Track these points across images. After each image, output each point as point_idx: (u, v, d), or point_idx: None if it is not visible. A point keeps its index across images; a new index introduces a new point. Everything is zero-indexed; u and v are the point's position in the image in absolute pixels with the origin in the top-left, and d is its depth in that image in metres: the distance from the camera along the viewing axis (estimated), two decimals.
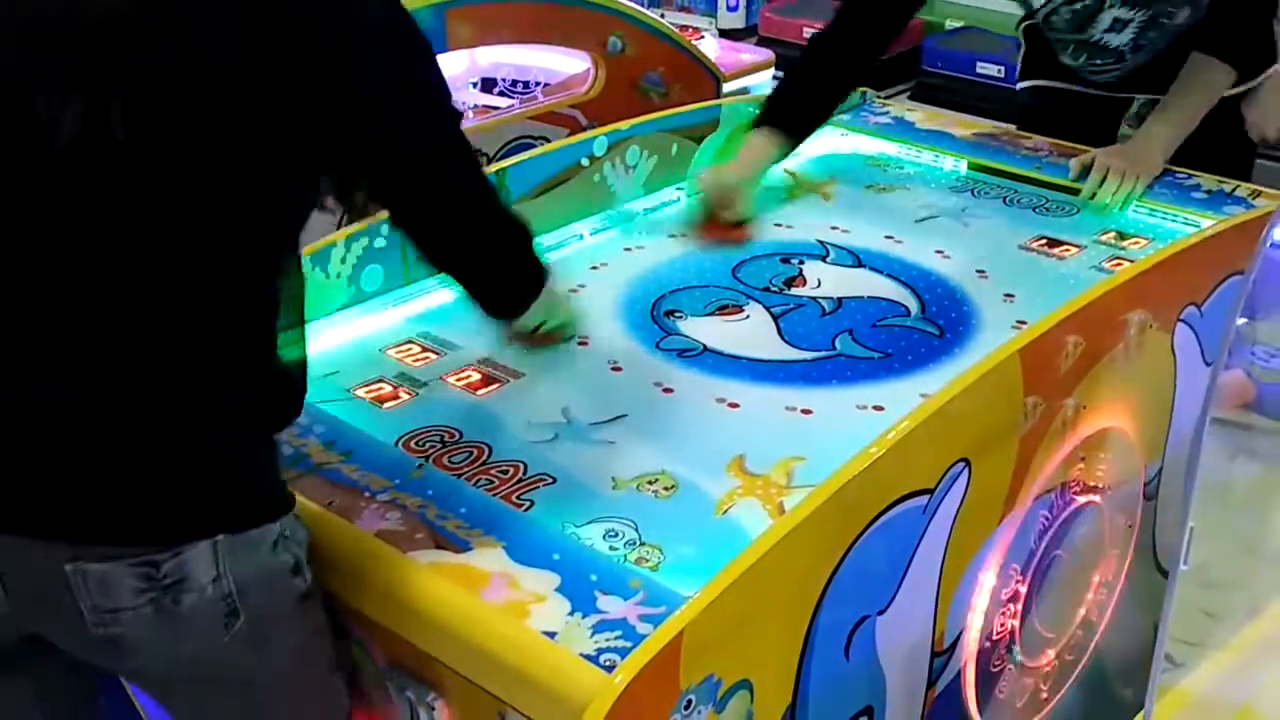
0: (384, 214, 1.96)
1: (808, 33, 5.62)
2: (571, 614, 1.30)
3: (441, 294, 1.97)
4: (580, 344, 1.86)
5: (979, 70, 5.18)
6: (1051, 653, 1.87)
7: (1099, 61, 2.49)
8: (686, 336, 1.89)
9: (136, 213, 1.20)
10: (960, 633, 1.67)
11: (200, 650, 1.27)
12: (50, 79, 1.15)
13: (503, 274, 1.57)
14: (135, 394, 1.23)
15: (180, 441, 1.24)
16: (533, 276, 1.61)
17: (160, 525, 1.23)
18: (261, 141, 1.22)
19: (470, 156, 1.45)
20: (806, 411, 1.71)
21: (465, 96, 3.34)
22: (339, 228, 1.90)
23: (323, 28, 1.23)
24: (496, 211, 1.53)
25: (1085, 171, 2.35)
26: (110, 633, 1.25)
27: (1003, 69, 5.01)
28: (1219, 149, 2.40)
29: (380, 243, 1.92)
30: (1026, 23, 2.63)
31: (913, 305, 1.98)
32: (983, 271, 2.09)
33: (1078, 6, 2.40)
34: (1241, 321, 1.23)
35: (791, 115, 2.37)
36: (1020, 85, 2.74)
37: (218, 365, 1.26)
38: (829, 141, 2.61)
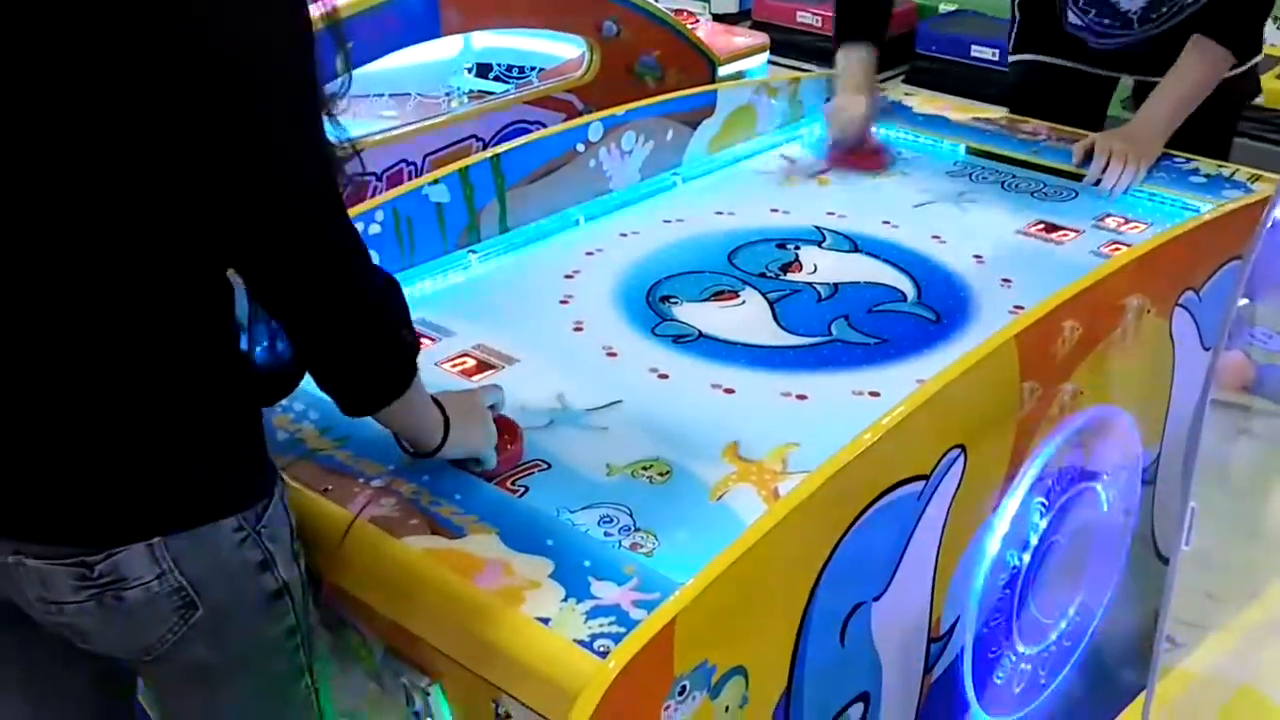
0: (377, 200, 1.97)
1: (801, 17, 5.73)
2: (566, 600, 1.29)
3: (435, 280, 1.97)
4: (575, 329, 1.85)
5: (973, 54, 5.17)
6: (1050, 638, 1.87)
7: (1106, 21, 2.47)
8: (682, 322, 1.88)
9: (18, 208, 1.16)
10: (957, 618, 1.66)
11: (157, 639, 1.26)
12: None
13: (352, 359, 1.31)
14: (62, 397, 1.19)
15: (111, 442, 1.20)
16: (388, 369, 1.34)
17: (90, 528, 1.21)
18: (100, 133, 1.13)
19: (324, 216, 1.23)
20: (802, 397, 1.71)
21: (460, 81, 3.33)
22: None
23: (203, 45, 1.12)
24: (360, 271, 1.28)
25: (1087, 157, 2.35)
26: (60, 620, 1.25)
27: (997, 52, 5.00)
28: (1197, 127, 2.39)
29: (375, 229, 1.92)
30: None
31: (909, 290, 1.98)
32: (980, 257, 2.08)
33: None
34: (1242, 303, 1.22)
35: (868, 22, 2.51)
36: (1012, 59, 2.74)
37: (152, 363, 1.21)
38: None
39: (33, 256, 1.17)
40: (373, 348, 1.30)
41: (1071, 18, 2.52)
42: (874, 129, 2.50)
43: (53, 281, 1.17)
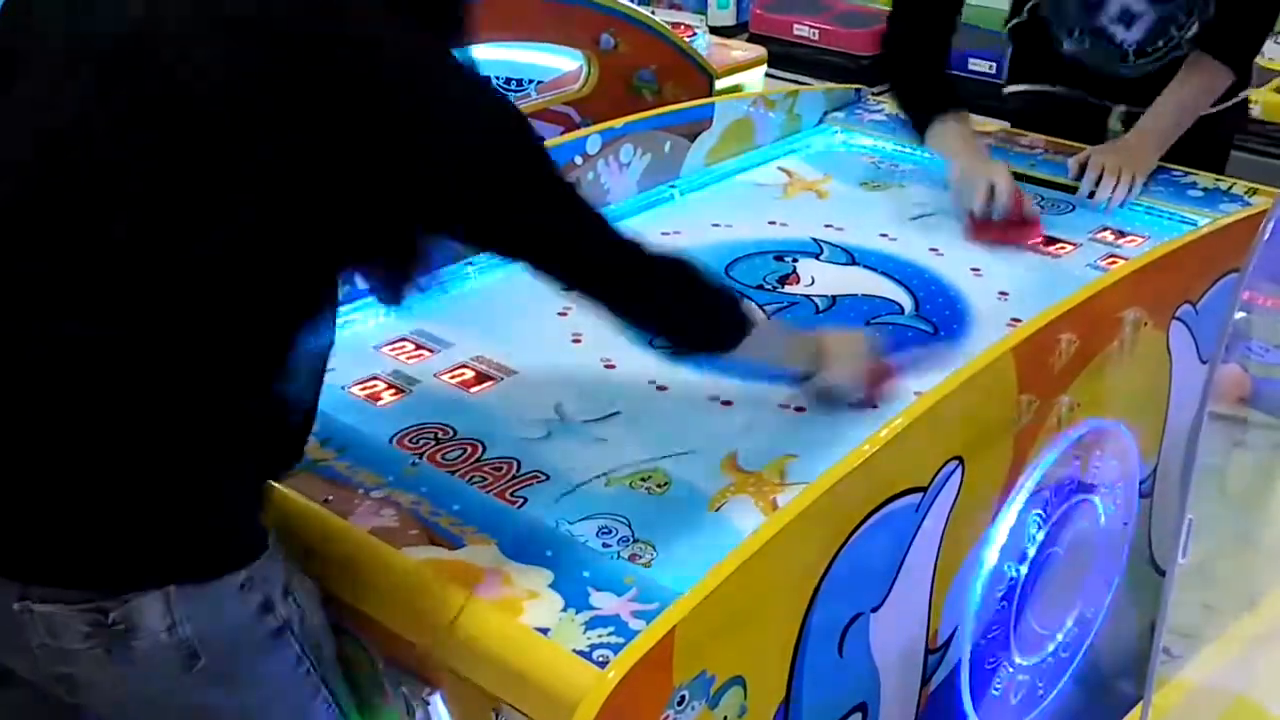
0: None
1: (798, 30, 5.74)
2: (565, 610, 1.30)
3: (435, 291, 1.97)
4: (574, 341, 1.86)
5: (970, 67, 5.18)
6: (1047, 649, 1.87)
7: (1101, 54, 2.47)
8: None
9: (99, 245, 1.18)
10: (954, 630, 1.66)
11: (162, 686, 1.25)
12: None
13: (691, 318, 1.52)
14: (90, 442, 1.19)
15: (134, 490, 1.20)
16: (722, 312, 1.53)
17: (109, 572, 1.21)
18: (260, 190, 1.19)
19: (596, 231, 1.40)
20: (800, 409, 1.71)
21: None
22: None
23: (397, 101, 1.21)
24: (650, 269, 1.45)
25: (1082, 170, 2.35)
26: (61, 671, 1.24)
27: (994, 65, 5.01)
28: (1193, 143, 2.39)
29: None
30: (1015, 21, 2.62)
31: (907, 303, 1.98)
32: (977, 269, 2.09)
33: None
34: (1239, 316, 1.23)
35: (947, 95, 2.35)
36: (1008, 90, 2.73)
37: (183, 417, 1.21)
38: (824, 139, 2.62)
39: (103, 295, 1.18)
40: (665, 297, 1.47)
41: (1067, 45, 2.51)
42: (1024, 195, 2.24)
43: (116, 323, 1.18)
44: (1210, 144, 2.48)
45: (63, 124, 1.19)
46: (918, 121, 2.34)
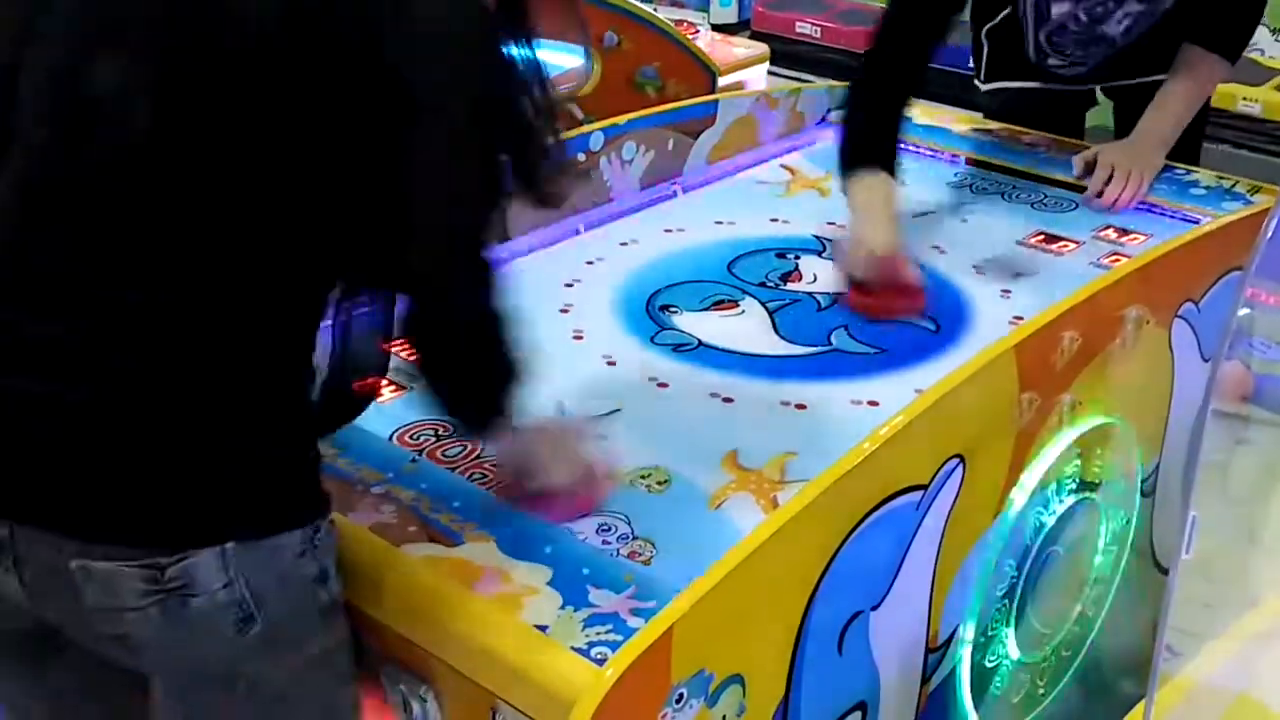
0: None
1: (800, 28, 5.73)
2: (563, 608, 1.30)
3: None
4: (575, 338, 1.86)
5: (970, 65, 5.16)
6: (1048, 648, 1.87)
7: (1088, 50, 2.46)
8: (682, 331, 1.88)
9: (155, 210, 1.19)
10: (955, 628, 1.66)
11: (212, 651, 1.25)
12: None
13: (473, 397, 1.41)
14: (150, 398, 1.20)
15: (192, 447, 1.21)
16: (502, 402, 1.41)
17: (164, 529, 1.21)
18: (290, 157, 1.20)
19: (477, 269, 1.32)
20: (801, 407, 1.71)
21: None
22: None
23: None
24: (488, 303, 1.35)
25: (1088, 169, 2.35)
26: (116, 631, 1.24)
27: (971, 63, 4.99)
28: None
29: None
30: (989, 25, 2.62)
31: None
32: (979, 267, 2.09)
33: (1096, 10, 2.36)
34: (1242, 313, 1.22)
35: (883, 148, 2.11)
36: (985, 87, 2.73)
37: (240, 374, 1.23)
38: (827, 136, 2.61)
39: (163, 259, 1.20)
40: (497, 369, 1.38)
41: (1052, 61, 2.49)
42: (908, 263, 1.99)
43: (176, 286, 1.20)
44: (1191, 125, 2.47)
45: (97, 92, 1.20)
46: (847, 159, 2.11)
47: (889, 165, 2.08)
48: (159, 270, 1.20)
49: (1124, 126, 2.47)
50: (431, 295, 1.31)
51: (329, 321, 1.38)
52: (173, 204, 1.19)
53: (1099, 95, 2.66)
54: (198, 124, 1.18)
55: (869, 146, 2.11)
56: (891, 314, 1.95)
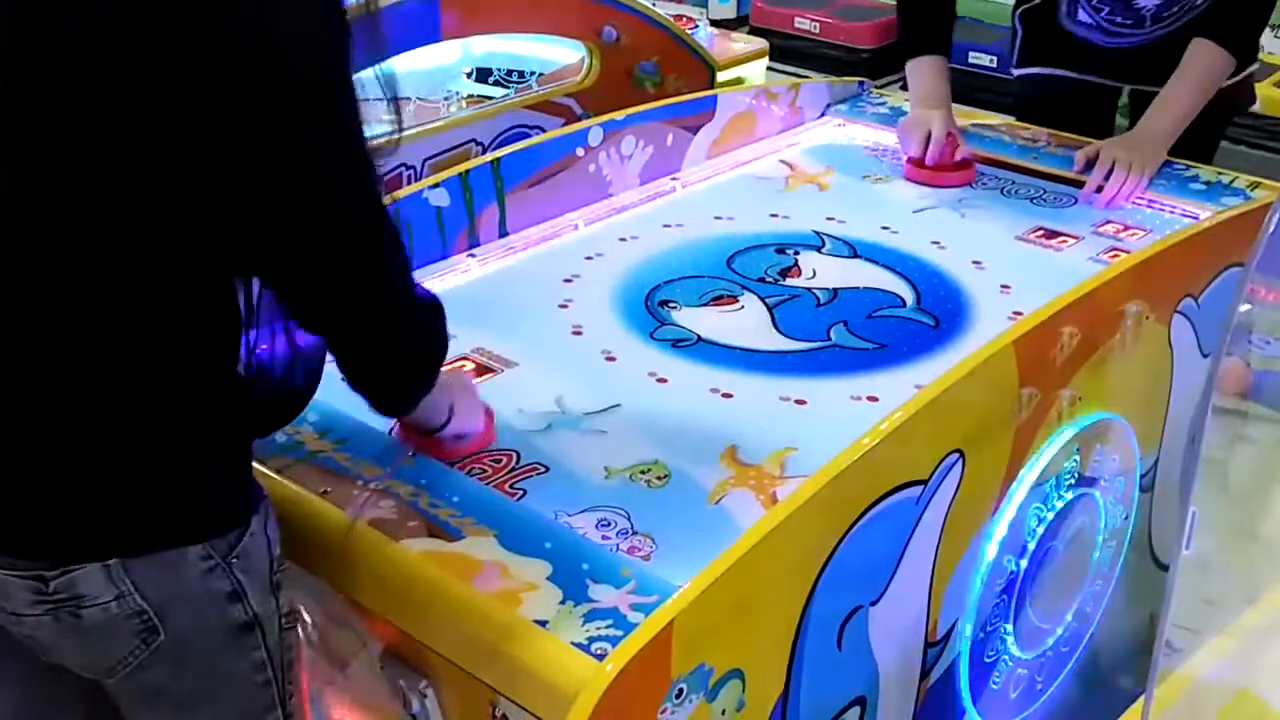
0: None
1: (799, 23, 5.73)
2: (563, 603, 1.29)
3: (434, 284, 1.97)
4: (574, 333, 1.86)
5: (971, 60, 5.17)
6: (1047, 643, 1.87)
7: (1118, 20, 2.46)
8: (681, 327, 1.88)
9: (37, 213, 1.15)
10: (954, 623, 1.66)
11: (117, 660, 1.24)
12: None
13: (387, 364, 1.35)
14: (32, 412, 1.18)
15: (75, 461, 1.19)
16: (418, 368, 1.38)
17: (47, 543, 1.20)
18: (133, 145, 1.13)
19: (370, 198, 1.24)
20: (800, 402, 1.71)
21: (459, 86, 3.33)
22: None
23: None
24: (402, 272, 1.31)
25: (1089, 164, 2.34)
26: (22, 632, 1.24)
27: (995, 59, 5.00)
28: (1186, 131, 2.37)
29: None
30: (1025, 7, 2.62)
31: (908, 296, 1.98)
32: (979, 262, 2.09)
33: None
34: (1244, 309, 1.22)
35: (935, 33, 2.52)
36: (1017, 72, 2.73)
37: (124, 389, 1.19)
38: (826, 132, 2.61)
39: (40, 263, 1.16)
40: (404, 353, 1.33)
41: (1082, 15, 2.51)
42: (960, 140, 2.43)
43: (51, 277, 1.16)
44: (1214, 117, 2.46)
45: None
46: (905, 47, 2.54)
47: (944, 49, 2.50)
48: (32, 281, 1.16)
49: None
50: (328, 285, 1.23)
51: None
52: (43, 210, 1.14)
53: (1124, 98, 2.65)
54: (55, 130, 1.12)
55: (924, 33, 2.52)
56: (945, 185, 2.38)
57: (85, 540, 1.20)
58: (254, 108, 1.12)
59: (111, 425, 1.19)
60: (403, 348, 1.33)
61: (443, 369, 1.42)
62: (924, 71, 2.48)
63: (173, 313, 1.19)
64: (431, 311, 1.38)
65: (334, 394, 1.61)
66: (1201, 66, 2.34)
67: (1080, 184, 2.34)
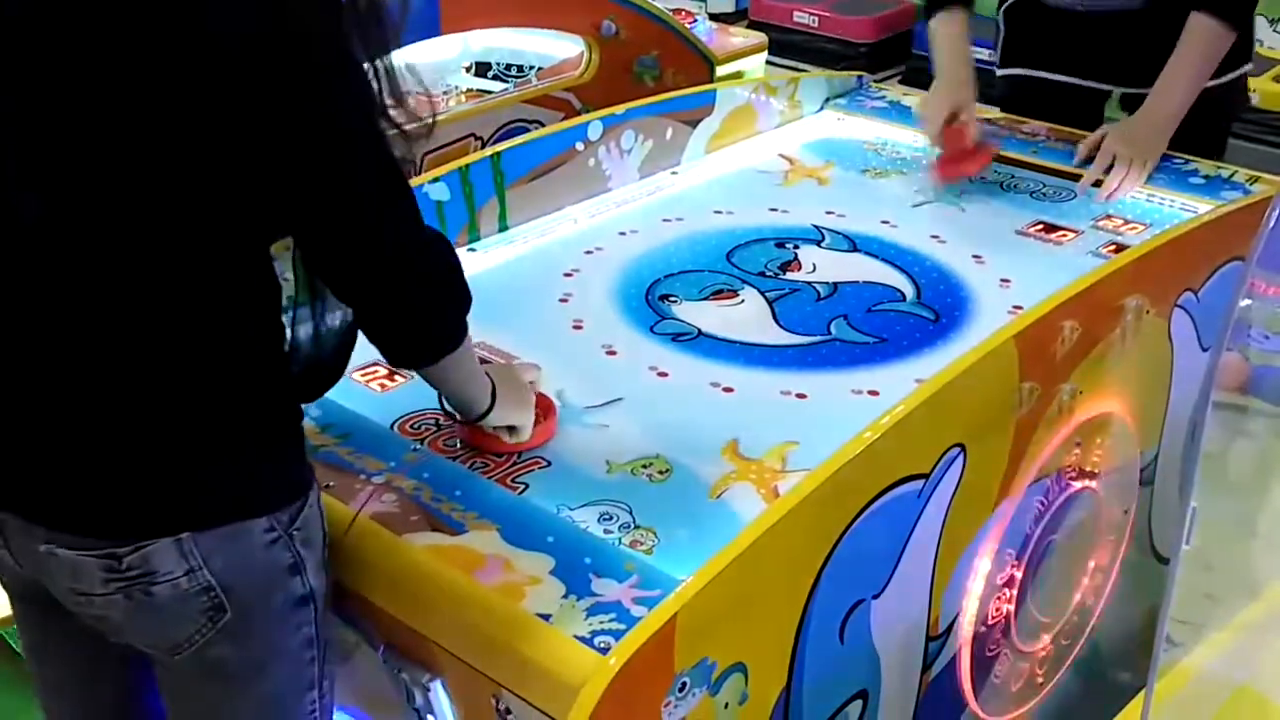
0: None
1: (797, 17, 5.73)
2: (566, 596, 1.30)
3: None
4: (575, 328, 1.86)
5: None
6: (1047, 637, 1.87)
7: None
8: (681, 321, 1.88)
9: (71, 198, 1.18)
10: (955, 617, 1.67)
11: (185, 638, 1.26)
12: None
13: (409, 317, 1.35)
14: (100, 392, 1.21)
15: (144, 438, 1.21)
16: (444, 320, 1.39)
17: (119, 521, 1.22)
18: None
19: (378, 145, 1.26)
20: (801, 396, 1.71)
21: (459, 80, 3.33)
22: None
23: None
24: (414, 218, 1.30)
25: (1091, 156, 2.33)
26: (90, 612, 1.26)
27: (992, 52, 4.99)
28: (1187, 144, 2.36)
29: None
30: (1007, 4, 2.61)
31: (908, 290, 1.98)
32: (979, 256, 2.09)
33: None
34: (1244, 304, 1.23)
35: None
36: (1000, 73, 2.72)
37: (184, 365, 1.22)
38: (825, 126, 2.61)
39: (84, 248, 1.18)
40: (425, 295, 1.32)
41: None
42: (973, 123, 2.35)
43: (102, 272, 1.18)
44: (1210, 126, 2.45)
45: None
46: (927, 11, 2.54)
47: (969, 7, 2.50)
48: (92, 271, 1.18)
49: None
50: (345, 225, 1.24)
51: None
52: (90, 204, 1.17)
53: (1115, 107, 2.62)
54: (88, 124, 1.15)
55: None
56: (963, 176, 2.32)
57: (157, 516, 1.22)
58: (272, 64, 1.15)
59: (175, 402, 1.22)
60: (417, 271, 1.29)
61: (474, 354, 1.45)
62: (948, 37, 2.48)
63: (222, 287, 1.23)
64: (438, 242, 1.36)
65: (336, 389, 1.62)
66: (1197, 40, 2.29)
67: (1079, 178, 2.33)
